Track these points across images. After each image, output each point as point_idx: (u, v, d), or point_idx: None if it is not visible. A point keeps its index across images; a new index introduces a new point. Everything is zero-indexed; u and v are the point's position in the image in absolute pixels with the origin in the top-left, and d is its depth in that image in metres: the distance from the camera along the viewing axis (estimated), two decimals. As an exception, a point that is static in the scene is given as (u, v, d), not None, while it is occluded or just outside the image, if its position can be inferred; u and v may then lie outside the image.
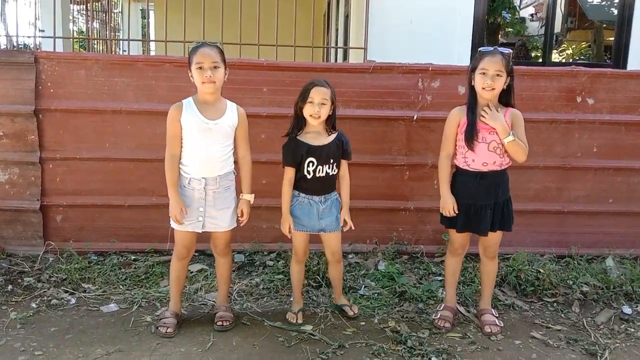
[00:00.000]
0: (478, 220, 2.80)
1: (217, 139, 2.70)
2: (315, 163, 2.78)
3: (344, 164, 2.91)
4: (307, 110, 2.75)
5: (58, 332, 2.76)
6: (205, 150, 2.68)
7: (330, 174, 2.83)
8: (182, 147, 2.71)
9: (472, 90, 2.78)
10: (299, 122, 2.83)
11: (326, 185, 2.85)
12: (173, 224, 2.75)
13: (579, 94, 3.81)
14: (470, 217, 2.81)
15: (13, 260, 3.55)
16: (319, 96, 2.73)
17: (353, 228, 2.90)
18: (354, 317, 2.98)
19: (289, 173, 2.83)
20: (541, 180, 3.88)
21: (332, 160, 2.81)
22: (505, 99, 2.80)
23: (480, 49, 2.78)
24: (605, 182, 3.91)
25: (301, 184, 2.84)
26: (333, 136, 2.85)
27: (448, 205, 2.81)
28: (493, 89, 2.67)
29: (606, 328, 2.98)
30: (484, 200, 2.79)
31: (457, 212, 2.80)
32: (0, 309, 2.99)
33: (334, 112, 2.84)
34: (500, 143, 2.73)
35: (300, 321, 2.92)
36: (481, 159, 2.76)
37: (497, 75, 2.66)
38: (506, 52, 2.71)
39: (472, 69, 2.75)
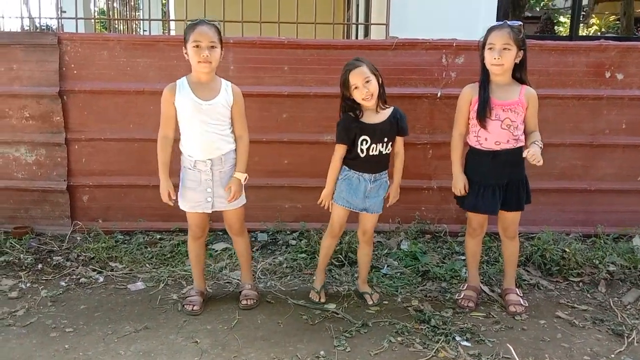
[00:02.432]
0: (487, 200, 2.76)
1: (213, 119, 2.65)
2: (369, 141, 2.71)
3: (399, 140, 2.82)
4: (357, 96, 2.66)
5: (87, 309, 2.83)
6: (204, 131, 2.63)
7: (384, 152, 2.75)
8: (180, 129, 2.69)
9: (483, 66, 2.72)
10: (352, 104, 2.72)
11: (379, 165, 2.78)
12: (182, 206, 2.76)
13: (607, 69, 3.71)
14: (479, 197, 2.78)
15: (42, 239, 3.64)
16: (360, 78, 2.63)
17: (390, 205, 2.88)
18: (374, 305, 2.90)
19: (340, 151, 2.76)
20: (568, 158, 3.81)
21: (386, 139, 2.73)
22: (519, 74, 2.73)
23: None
24: (633, 159, 3.83)
25: (353, 163, 2.77)
26: (388, 112, 2.75)
27: (459, 184, 2.79)
28: (502, 64, 2.61)
29: (633, 308, 2.94)
30: (495, 180, 2.75)
31: (467, 191, 2.78)
32: (31, 287, 3.07)
33: (382, 85, 2.72)
34: (514, 121, 2.68)
35: (323, 300, 2.92)
36: (494, 138, 2.71)
37: (505, 49, 2.59)
38: (515, 24, 2.63)
39: (482, 44, 2.69)
